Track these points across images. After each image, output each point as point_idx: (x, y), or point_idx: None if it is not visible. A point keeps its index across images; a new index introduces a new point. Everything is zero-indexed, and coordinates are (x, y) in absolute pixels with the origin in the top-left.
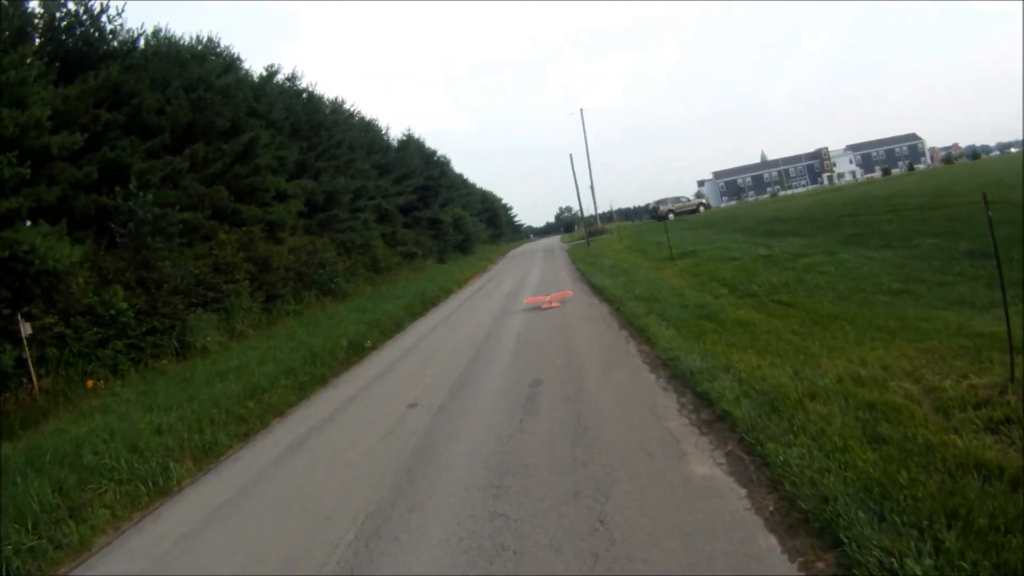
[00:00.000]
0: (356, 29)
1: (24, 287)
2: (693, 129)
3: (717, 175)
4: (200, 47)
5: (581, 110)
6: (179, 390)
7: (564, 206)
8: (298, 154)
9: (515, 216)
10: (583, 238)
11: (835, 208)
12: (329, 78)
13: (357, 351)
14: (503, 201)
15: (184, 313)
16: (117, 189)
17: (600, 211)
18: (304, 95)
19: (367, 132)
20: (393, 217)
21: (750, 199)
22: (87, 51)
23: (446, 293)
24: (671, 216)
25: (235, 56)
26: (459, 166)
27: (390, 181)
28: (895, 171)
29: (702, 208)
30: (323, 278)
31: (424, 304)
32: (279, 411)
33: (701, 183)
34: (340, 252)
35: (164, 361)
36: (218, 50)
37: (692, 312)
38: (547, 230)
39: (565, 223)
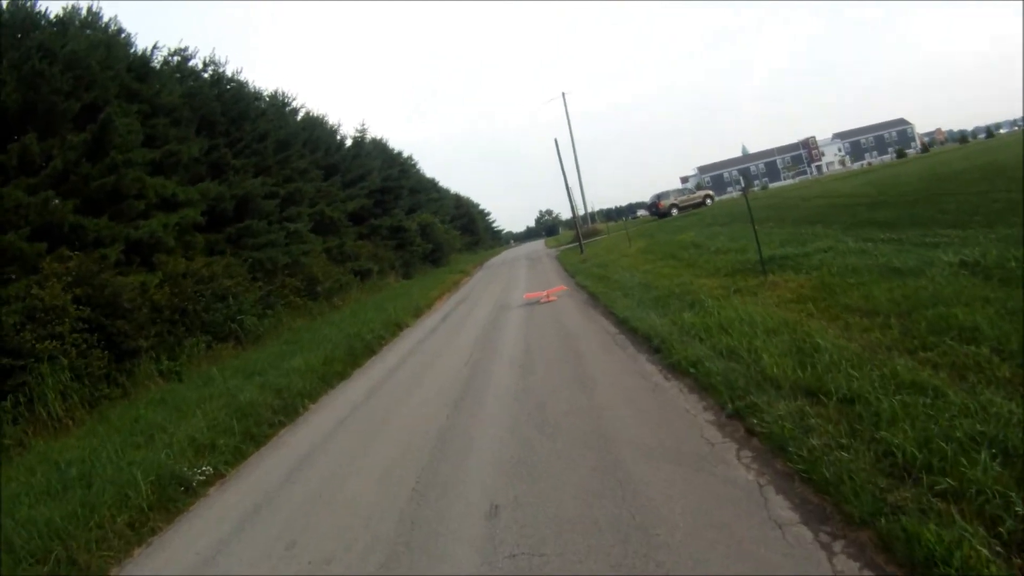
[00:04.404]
0: (315, 33)
1: None
2: (671, 128)
3: (702, 170)
4: (77, 20)
5: (563, 94)
6: None
7: (544, 209)
8: (199, 152)
9: (493, 222)
10: (573, 241)
11: (901, 188)
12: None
13: (169, 498)
14: (480, 207)
15: None
16: None
17: (584, 211)
18: (229, 84)
19: (312, 130)
20: (340, 227)
21: (756, 188)
22: None
23: (393, 331)
24: (675, 211)
25: (116, 29)
26: (431, 172)
27: (339, 184)
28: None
29: (709, 200)
30: (219, 317)
31: (353, 356)
32: None
33: (685, 179)
34: (257, 276)
35: None
36: (102, 23)
37: None
38: (528, 235)
39: (546, 227)
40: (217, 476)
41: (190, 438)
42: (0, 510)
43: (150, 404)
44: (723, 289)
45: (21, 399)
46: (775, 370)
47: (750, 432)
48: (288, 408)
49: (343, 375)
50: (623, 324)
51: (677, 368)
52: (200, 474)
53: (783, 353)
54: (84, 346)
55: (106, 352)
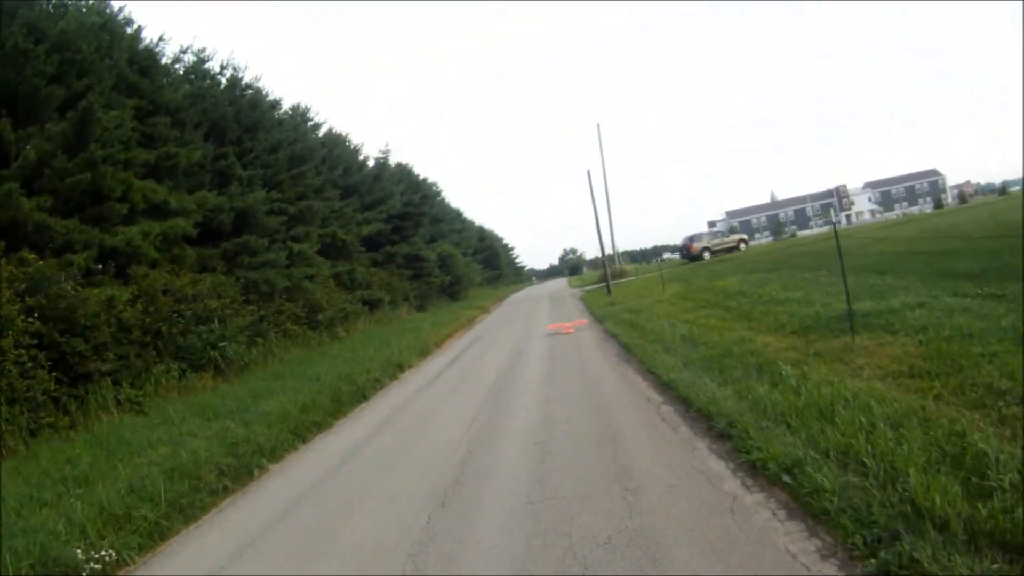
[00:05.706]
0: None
1: None
2: (697, 170)
3: (731, 215)
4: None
5: (598, 125)
6: None
7: (569, 248)
8: (202, 157)
9: (516, 257)
10: (599, 282)
11: (966, 236)
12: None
13: None
14: (504, 241)
15: None
16: None
17: (612, 251)
18: (246, 90)
19: (333, 147)
20: (353, 251)
21: (795, 233)
22: None
23: (394, 372)
24: (707, 255)
25: (125, 19)
26: (456, 202)
27: (356, 206)
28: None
29: (743, 245)
30: (197, 342)
31: (338, 404)
32: None
33: (712, 224)
34: (251, 298)
35: None
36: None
37: None
38: (551, 273)
39: (570, 265)
40: (119, 565)
41: (101, 505)
42: None
43: (92, 442)
44: (796, 351)
45: None
46: (931, 498)
47: None
48: (240, 470)
49: (322, 425)
50: (668, 390)
51: (760, 471)
52: (95, 561)
53: (932, 464)
54: (29, 365)
55: (53, 374)
